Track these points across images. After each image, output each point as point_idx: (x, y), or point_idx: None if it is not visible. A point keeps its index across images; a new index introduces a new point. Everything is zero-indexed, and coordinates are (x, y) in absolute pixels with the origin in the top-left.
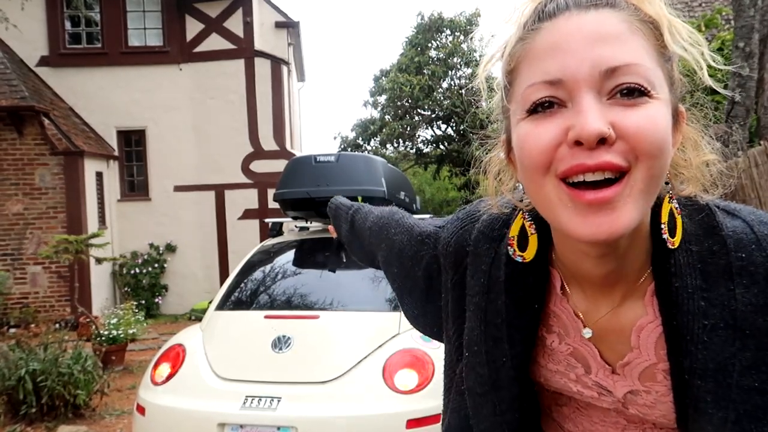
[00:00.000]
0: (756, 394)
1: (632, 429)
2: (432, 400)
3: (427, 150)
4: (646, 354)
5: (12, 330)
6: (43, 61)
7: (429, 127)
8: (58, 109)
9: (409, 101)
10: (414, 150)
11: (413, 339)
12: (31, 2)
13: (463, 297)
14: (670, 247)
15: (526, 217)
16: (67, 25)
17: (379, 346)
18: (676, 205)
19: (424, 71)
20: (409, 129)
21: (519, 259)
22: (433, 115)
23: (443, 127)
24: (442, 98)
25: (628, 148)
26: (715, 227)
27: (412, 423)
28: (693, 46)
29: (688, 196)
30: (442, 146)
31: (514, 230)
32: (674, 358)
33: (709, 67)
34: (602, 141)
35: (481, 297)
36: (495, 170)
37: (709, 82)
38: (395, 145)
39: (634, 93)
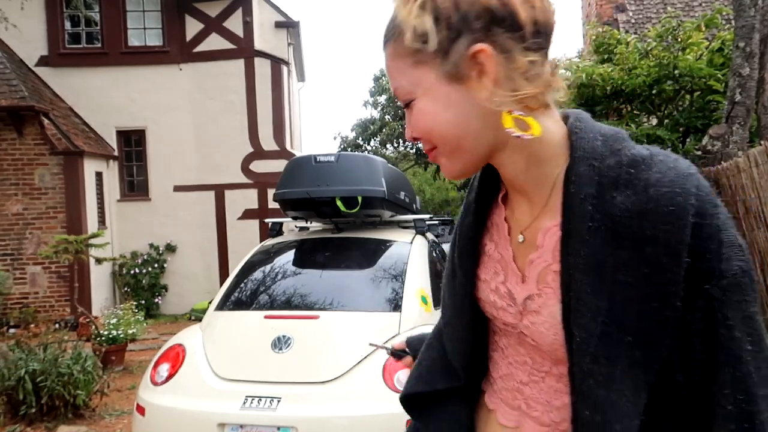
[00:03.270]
0: (628, 287)
1: (536, 374)
2: None
3: None
4: (546, 255)
5: (12, 330)
6: (43, 61)
7: None
8: (57, 109)
9: None
10: (414, 150)
11: None
12: (31, 2)
13: None
14: (515, 135)
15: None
16: (67, 25)
17: None
18: (517, 113)
19: None
20: None
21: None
22: None
23: None
24: None
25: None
26: (619, 150)
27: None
28: None
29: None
30: None
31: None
32: (564, 257)
33: (708, 66)
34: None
35: (462, 220)
36: None
37: None
38: (395, 145)
39: (406, 105)
